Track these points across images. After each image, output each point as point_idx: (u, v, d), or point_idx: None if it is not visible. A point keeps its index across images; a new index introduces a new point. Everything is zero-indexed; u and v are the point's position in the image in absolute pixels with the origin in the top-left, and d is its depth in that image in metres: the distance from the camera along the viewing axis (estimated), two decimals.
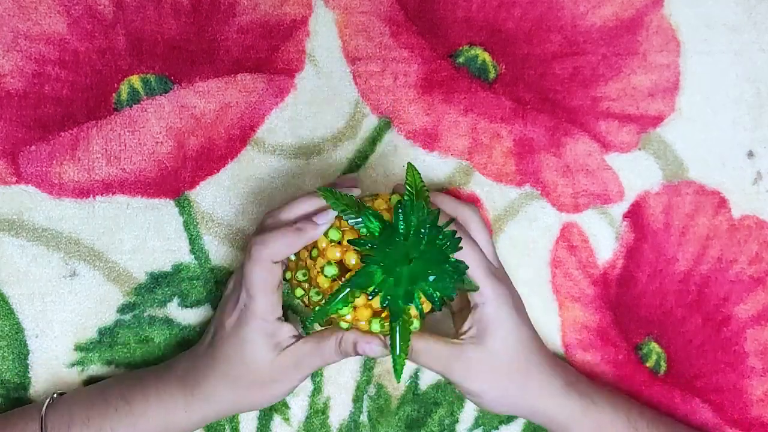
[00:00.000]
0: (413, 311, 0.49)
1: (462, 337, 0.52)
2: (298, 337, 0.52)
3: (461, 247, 0.48)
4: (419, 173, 0.50)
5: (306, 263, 0.51)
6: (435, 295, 0.47)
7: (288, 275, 0.53)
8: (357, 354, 0.51)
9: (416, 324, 0.50)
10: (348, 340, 0.51)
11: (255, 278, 0.50)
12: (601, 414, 0.54)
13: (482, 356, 0.52)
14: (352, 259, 0.49)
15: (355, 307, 0.50)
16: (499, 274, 0.53)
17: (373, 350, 0.51)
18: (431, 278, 0.47)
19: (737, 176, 0.62)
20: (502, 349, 0.52)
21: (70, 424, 0.52)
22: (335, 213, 0.50)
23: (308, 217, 0.50)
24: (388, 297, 0.47)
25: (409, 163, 0.50)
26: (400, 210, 0.47)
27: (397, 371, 0.49)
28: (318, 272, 0.50)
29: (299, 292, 0.52)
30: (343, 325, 0.50)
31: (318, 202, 0.51)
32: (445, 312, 0.59)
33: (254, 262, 0.50)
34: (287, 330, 0.52)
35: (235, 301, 0.52)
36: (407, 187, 0.49)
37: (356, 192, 0.52)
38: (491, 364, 0.52)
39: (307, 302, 0.52)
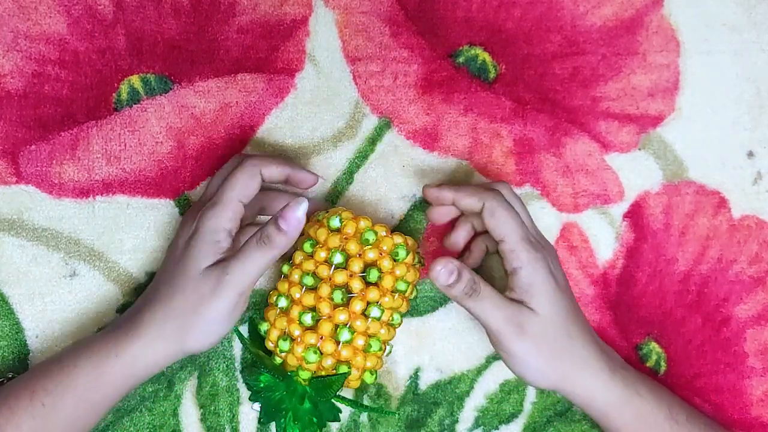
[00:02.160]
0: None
1: (508, 294, 0.53)
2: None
3: None
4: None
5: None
6: None
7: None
8: (280, 232, 0.50)
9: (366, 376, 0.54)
10: (269, 224, 0.50)
11: (238, 181, 0.52)
12: (643, 404, 0.53)
13: (528, 318, 0.51)
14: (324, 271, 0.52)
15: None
16: (535, 240, 0.53)
17: (296, 208, 0.50)
18: None
19: (737, 176, 0.62)
20: (543, 312, 0.52)
21: (8, 394, 0.50)
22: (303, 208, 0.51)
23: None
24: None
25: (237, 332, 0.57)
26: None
27: None
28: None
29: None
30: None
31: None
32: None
33: (246, 167, 0.52)
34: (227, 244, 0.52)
35: (191, 225, 0.52)
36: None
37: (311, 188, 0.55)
38: (536, 326, 0.52)
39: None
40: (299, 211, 0.50)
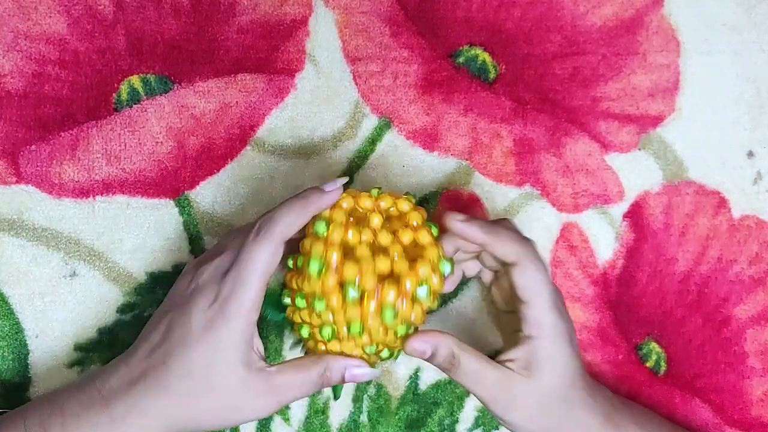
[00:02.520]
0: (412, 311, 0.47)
1: (508, 365, 0.49)
2: (265, 361, 0.47)
3: None
4: None
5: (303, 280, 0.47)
6: None
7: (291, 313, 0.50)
8: (343, 381, 0.48)
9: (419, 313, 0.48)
10: (334, 369, 0.47)
11: (259, 259, 0.44)
12: None
13: (529, 390, 0.48)
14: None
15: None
16: (562, 306, 0.50)
17: (366, 374, 0.48)
18: None
19: (737, 176, 0.62)
20: (550, 385, 0.49)
21: None
22: (344, 180, 0.48)
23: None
24: None
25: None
26: None
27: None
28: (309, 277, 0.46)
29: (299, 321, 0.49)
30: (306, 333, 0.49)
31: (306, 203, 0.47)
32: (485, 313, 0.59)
33: (263, 239, 0.44)
34: (257, 343, 0.46)
35: (211, 297, 0.44)
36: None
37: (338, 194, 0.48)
38: (537, 398, 0.49)
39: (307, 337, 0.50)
40: (339, 181, 0.48)
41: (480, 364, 0.49)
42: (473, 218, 0.49)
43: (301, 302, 0.47)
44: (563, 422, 0.50)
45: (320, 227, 0.46)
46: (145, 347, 0.46)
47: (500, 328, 0.59)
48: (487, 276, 0.55)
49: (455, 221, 0.48)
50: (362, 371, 0.48)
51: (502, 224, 0.50)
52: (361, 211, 0.49)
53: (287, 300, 0.49)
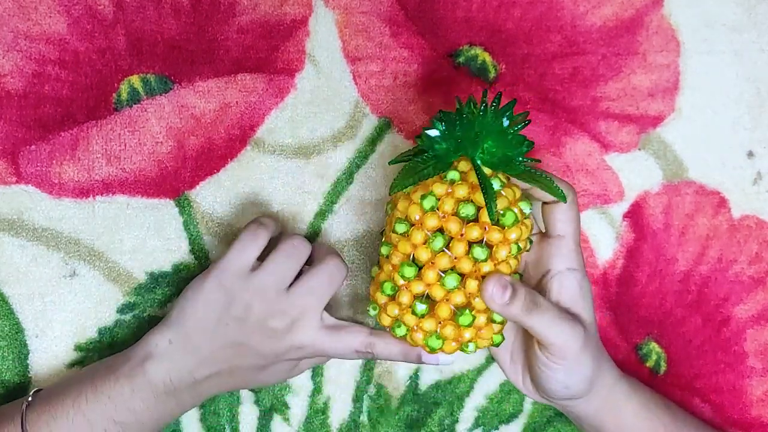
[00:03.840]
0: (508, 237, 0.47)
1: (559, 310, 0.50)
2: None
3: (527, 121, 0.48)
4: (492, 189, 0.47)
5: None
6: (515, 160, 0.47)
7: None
8: (370, 356, 0.53)
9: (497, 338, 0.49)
10: (365, 341, 0.53)
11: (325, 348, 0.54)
12: (631, 416, 0.55)
13: (586, 332, 0.49)
14: (452, 225, 0.47)
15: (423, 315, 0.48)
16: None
17: (391, 351, 0.52)
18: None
19: (737, 176, 0.62)
20: (589, 324, 0.51)
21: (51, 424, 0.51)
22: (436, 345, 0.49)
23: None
24: (476, 162, 0.47)
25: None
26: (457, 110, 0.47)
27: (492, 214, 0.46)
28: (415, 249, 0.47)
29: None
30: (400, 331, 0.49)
31: None
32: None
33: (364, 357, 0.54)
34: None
35: (277, 328, 0.53)
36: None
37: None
38: (591, 341, 0.50)
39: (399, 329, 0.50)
40: None
41: (553, 305, 0.49)
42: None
43: (410, 271, 0.48)
44: (597, 372, 0.51)
45: (428, 203, 0.47)
46: (213, 367, 0.53)
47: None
48: None
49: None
50: (389, 347, 0.53)
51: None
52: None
53: (373, 311, 0.51)
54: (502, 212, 0.47)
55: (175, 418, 0.54)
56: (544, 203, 0.52)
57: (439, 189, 0.47)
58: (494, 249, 0.47)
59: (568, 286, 0.50)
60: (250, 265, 0.53)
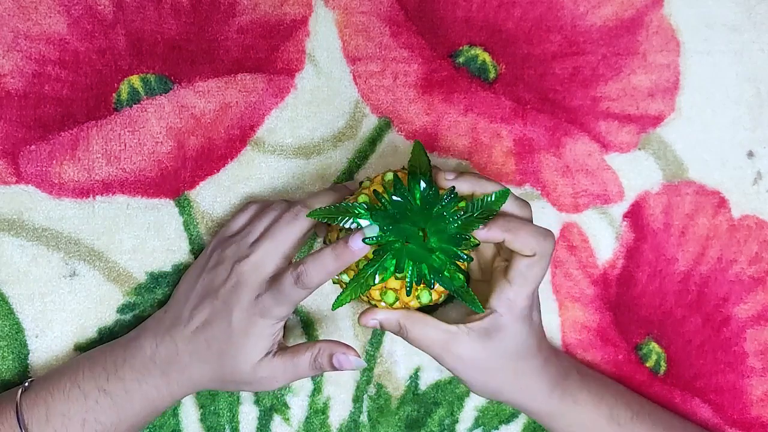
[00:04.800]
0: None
1: (468, 324, 0.51)
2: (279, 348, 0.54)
3: (479, 223, 0.49)
4: (425, 151, 0.50)
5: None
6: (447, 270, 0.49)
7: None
8: (333, 368, 0.53)
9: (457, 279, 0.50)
10: (324, 354, 0.52)
11: (295, 298, 0.51)
12: (581, 413, 0.55)
13: (478, 352, 0.51)
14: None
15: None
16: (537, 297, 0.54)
17: (350, 362, 0.52)
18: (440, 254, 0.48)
19: (737, 176, 0.62)
20: (497, 353, 0.52)
21: (48, 416, 0.52)
22: (371, 232, 0.49)
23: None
24: (416, 275, 0.48)
25: (416, 141, 0.50)
26: (395, 186, 0.48)
27: (477, 306, 0.50)
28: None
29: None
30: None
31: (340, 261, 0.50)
32: None
33: (300, 288, 0.50)
34: (280, 336, 0.54)
35: (250, 298, 0.52)
36: (410, 162, 0.50)
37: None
38: (486, 361, 0.52)
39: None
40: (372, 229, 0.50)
41: (425, 328, 0.52)
42: (467, 175, 0.51)
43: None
44: (507, 387, 0.53)
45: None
46: (190, 326, 0.53)
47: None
48: None
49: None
50: (347, 358, 0.52)
51: (522, 214, 0.52)
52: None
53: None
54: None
55: (164, 404, 0.54)
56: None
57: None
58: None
59: (491, 322, 0.51)
60: (233, 231, 0.56)
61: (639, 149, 0.62)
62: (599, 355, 0.62)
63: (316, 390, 0.60)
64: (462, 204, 0.49)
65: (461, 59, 0.61)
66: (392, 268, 0.48)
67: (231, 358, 0.52)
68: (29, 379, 0.54)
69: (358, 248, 0.48)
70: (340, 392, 0.60)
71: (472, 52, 0.61)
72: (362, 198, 0.50)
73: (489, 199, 0.49)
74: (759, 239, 0.62)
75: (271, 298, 0.51)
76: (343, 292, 0.49)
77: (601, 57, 0.62)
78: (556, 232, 0.61)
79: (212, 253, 0.55)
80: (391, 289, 0.51)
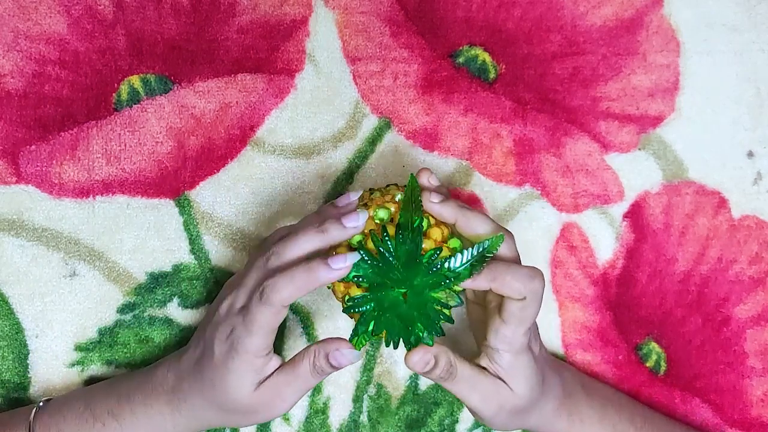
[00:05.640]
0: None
1: (486, 369, 0.51)
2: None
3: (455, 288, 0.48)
4: (419, 192, 0.49)
5: None
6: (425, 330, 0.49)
7: None
8: (332, 368, 0.50)
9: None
10: (320, 356, 0.50)
11: (262, 320, 0.48)
12: (585, 429, 0.56)
13: (512, 398, 0.51)
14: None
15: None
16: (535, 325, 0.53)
17: (346, 357, 0.50)
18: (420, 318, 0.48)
19: (737, 176, 0.62)
20: (527, 395, 0.52)
21: None
22: (354, 258, 0.48)
23: (322, 253, 0.49)
24: (394, 340, 0.48)
25: (411, 176, 0.49)
26: (386, 239, 0.47)
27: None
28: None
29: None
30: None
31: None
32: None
33: (265, 306, 0.48)
34: (273, 364, 0.50)
35: (227, 331, 0.50)
36: (402, 209, 0.49)
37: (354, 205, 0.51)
38: (503, 401, 0.52)
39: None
40: (350, 258, 0.49)
41: (474, 372, 0.51)
42: (452, 203, 0.50)
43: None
44: (524, 417, 0.54)
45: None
46: (191, 355, 0.53)
47: (468, 316, 0.59)
48: None
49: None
50: (341, 353, 0.50)
51: (507, 251, 0.51)
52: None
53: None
54: None
55: None
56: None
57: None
58: None
59: (497, 362, 0.51)
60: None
61: (639, 149, 0.62)
62: (599, 355, 0.62)
63: (316, 390, 0.60)
64: (456, 244, 0.49)
65: (461, 59, 0.61)
66: (370, 329, 0.48)
67: (223, 393, 0.50)
68: (45, 399, 0.54)
69: (336, 268, 0.47)
70: (340, 392, 0.60)
71: (472, 52, 0.61)
72: (356, 238, 0.49)
73: (481, 248, 0.48)
74: (759, 239, 0.62)
75: (242, 327, 0.49)
76: (351, 339, 0.49)
77: (601, 57, 0.62)
78: (556, 232, 0.62)
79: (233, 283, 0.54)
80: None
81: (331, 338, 0.50)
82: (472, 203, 0.61)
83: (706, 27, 0.62)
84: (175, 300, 0.59)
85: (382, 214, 0.49)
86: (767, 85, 0.63)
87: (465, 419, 0.61)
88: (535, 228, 0.61)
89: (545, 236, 0.61)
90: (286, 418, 0.60)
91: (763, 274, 0.62)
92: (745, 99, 0.62)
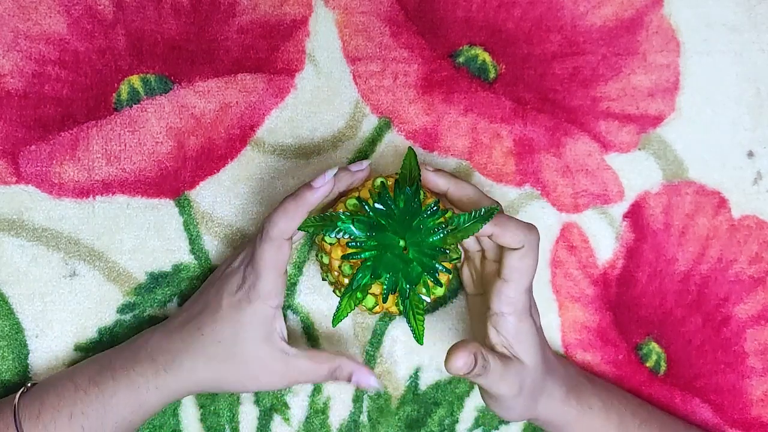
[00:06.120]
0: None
1: (495, 348, 0.52)
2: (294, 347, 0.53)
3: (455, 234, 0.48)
4: (416, 160, 0.50)
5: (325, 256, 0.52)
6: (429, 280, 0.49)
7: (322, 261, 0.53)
8: (348, 382, 0.53)
9: (439, 291, 0.51)
10: (344, 370, 0.53)
11: (267, 257, 0.50)
12: (594, 419, 0.56)
13: (524, 377, 0.52)
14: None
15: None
16: (531, 294, 0.53)
17: (370, 384, 0.53)
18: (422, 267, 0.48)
19: (737, 176, 0.62)
20: (530, 363, 0.52)
21: (40, 411, 0.51)
22: (333, 172, 0.50)
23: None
24: (392, 285, 0.48)
25: (409, 148, 0.50)
26: (380, 194, 0.48)
27: (419, 338, 0.49)
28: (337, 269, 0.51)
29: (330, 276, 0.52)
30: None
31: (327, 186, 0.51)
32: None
33: (266, 242, 0.50)
34: (280, 323, 0.52)
35: (239, 282, 0.52)
36: (401, 170, 0.50)
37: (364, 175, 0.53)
38: (528, 380, 0.52)
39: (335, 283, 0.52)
40: (329, 174, 0.51)
41: (503, 361, 0.51)
42: (444, 172, 0.52)
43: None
44: (535, 400, 0.53)
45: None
46: (184, 316, 0.53)
47: (469, 312, 0.59)
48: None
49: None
50: (366, 379, 0.53)
51: (497, 208, 0.51)
52: None
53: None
54: None
55: (152, 398, 0.52)
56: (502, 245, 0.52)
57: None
58: None
59: (503, 329, 0.51)
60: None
61: (639, 149, 0.62)
62: (599, 355, 0.62)
63: (316, 390, 0.60)
64: (449, 214, 0.49)
65: (461, 59, 0.61)
66: (368, 274, 0.48)
67: (229, 346, 0.51)
68: (30, 383, 0.54)
69: (318, 186, 0.49)
70: (340, 392, 0.60)
71: (472, 52, 0.61)
72: (351, 201, 0.50)
73: (476, 214, 0.49)
74: (759, 239, 0.62)
75: (251, 272, 0.51)
76: (338, 308, 0.49)
77: (601, 57, 0.62)
78: (556, 232, 0.62)
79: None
80: (372, 294, 0.51)
81: (363, 365, 0.54)
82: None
83: (706, 27, 0.62)
84: (175, 300, 0.59)
85: (378, 182, 0.51)
86: (767, 85, 0.63)
87: (465, 419, 0.61)
88: None
89: (545, 236, 0.61)
90: (286, 418, 0.60)
91: (763, 273, 0.62)
92: (745, 99, 0.62)
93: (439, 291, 0.51)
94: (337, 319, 0.49)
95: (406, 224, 0.48)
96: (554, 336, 0.61)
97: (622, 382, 0.61)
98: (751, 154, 0.63)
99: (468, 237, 0.49)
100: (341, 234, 0.48)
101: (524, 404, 0.53)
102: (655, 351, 0.62)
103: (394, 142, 0.61)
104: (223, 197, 0.60)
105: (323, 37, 0.60)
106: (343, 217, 0.48)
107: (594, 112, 0.62)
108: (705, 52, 0.62)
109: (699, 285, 0.62)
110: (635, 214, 0.62)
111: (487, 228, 0.49)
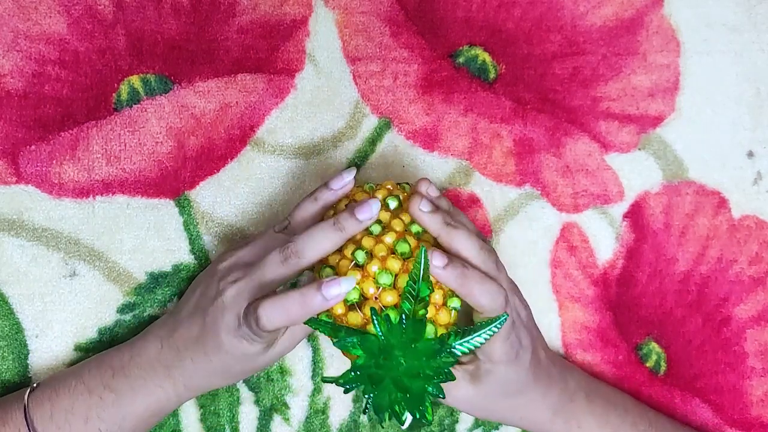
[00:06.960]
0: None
1: (458, 367, 0.53)
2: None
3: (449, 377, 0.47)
4: (428, 264, 0.47)
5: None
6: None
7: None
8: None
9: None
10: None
11: (265, 336, 0.50)
12: None
13: (471, 395, 0.53)
14: (370, 288, 0.48)
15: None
16: (516, 329, 0.52)
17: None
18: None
19: (737, 176, 0.62)
20: (493, 394, 0.53)
21: (52, 412, 0.52)
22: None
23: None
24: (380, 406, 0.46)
25: (422, 248, 0.47)
26: (377, 320, 0.46)
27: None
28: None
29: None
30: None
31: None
32: None
33: (263, 331, 0.49)
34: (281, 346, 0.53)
35: (236, 329, 0.50)
36: (408, 284, 0.47)
37: (349, 187, 0.52)
38: (481, 402, 0.53)
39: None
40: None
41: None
42: (441, 213, 0.50)
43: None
44: (508, 419, 0.55)
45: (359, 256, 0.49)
46: (188, 334, 0.52)
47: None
48: None
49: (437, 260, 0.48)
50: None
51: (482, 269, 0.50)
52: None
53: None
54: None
55: (170, 404, 0.53)
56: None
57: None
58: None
59: (475, 367, 0.53)
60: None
61: (639, 149, 0.62)
62: (599, 355, 0.62)
63: (316, 390, 0.60)
64: (456, 303, 0.49)
65: (461, 59, 0.61)
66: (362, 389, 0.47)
67: (232, 367, 0.52)
68: (36, 383, 0.54)
69: (330, 297, 0.46)
70: (340, 392, 0.60)
71: (472, 52, 0.61)
72: (351, 296, 0.48)
73: (482, 333, 0.48)
74: (759, 239, 0.62)
75: (247, 331, 0.49)
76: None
77: (601, 57, 0.62)
78: (556, 232, 0.62)
79: (218, 260, 0.54)
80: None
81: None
82: (472, 203, 0.61)
83: (706, 27, 0.62)
84: (175, 300, 0.59)
85: (392, 203, 0.50)
86: (767, 85, 0.63)
87: (465, 419, 0.61)
88: (535, 228, 0.61)
89: (545, 236, 0.61)
90: (286, 418, 0.60)
91: (763, 274, 0.62)
92: (745, 99, 0.62)
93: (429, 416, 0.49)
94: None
95: (407, 349, 0.46)
96: (554, 336, 0.61)
97: (622, 383, 0.61)
98: (751, 154, 0.63)
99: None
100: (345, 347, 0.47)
101: (488, 414, 0.54)
102: (655, 351, 0.62)
103: (394, 142, 0.61)
104: (223, 197, 0.60)
105: (323, 37, 0.60)
106: (353, 338, 0.46)
107: (594, 112, 0.62)
108: (705, 52, 0.62)
109: (699, 285, 0.62)
110: (635, 214, 0.62)
111: (459, 290, 0.49)
